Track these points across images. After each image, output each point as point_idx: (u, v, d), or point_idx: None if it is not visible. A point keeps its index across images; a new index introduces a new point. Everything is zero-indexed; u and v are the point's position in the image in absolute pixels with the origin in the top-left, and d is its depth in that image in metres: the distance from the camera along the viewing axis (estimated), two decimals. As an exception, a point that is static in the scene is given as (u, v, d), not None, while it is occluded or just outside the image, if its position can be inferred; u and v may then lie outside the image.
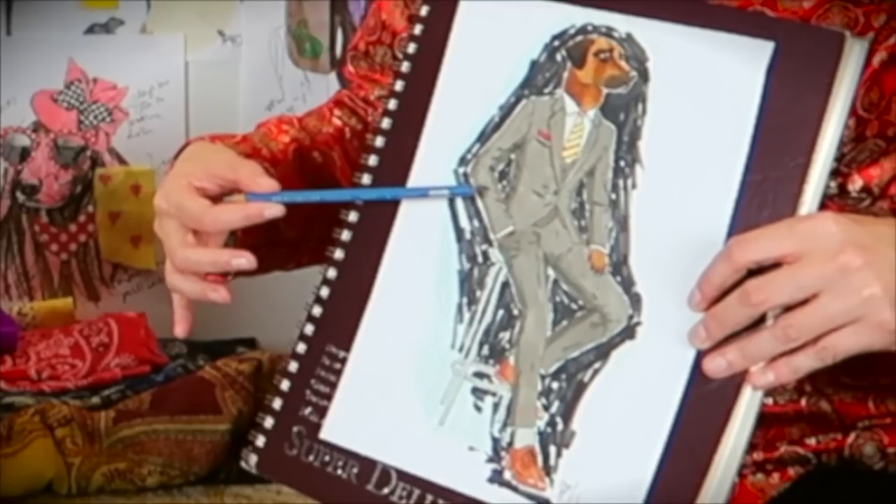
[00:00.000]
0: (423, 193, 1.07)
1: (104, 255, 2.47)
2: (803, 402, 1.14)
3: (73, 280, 2.46)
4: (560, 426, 1.00)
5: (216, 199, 1.12)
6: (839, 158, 1.09)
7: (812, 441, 1.14)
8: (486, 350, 1.03)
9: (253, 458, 1.09)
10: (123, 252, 2.48)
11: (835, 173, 1.09)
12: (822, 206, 0.95)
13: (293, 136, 1.27)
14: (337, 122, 1.33)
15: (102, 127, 2.44)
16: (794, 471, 1.14)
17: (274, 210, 1.09)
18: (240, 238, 1.18)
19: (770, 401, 1.12)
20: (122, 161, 2.46)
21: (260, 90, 2.50)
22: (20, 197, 2.42)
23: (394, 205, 1.08)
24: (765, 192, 0.95)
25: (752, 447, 1.10)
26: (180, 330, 1.16)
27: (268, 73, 2.50)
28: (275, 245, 1.20)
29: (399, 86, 1.10)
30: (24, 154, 2.41)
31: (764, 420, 1.06)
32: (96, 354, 2.25)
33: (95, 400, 2.15)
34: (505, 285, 1.03)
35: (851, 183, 1.10)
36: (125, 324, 2.31)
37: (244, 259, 1.10)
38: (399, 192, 1.08)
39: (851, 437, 1.14)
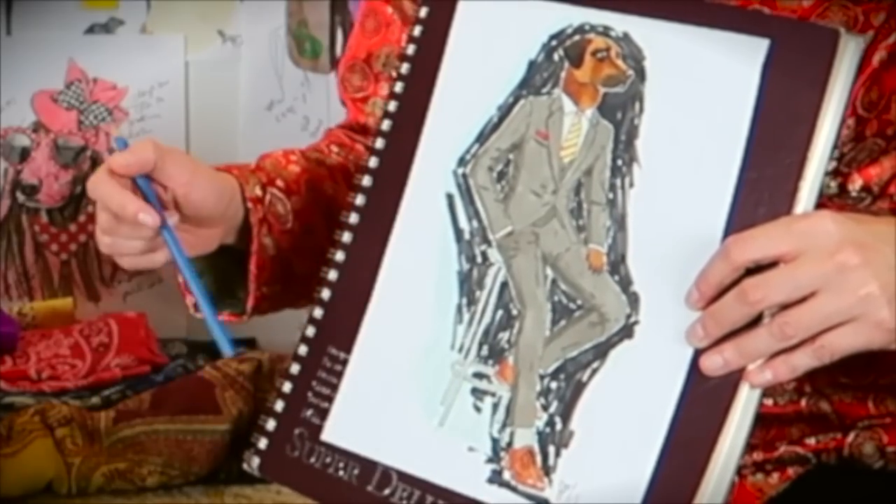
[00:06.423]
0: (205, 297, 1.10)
1: (104, 255, 2.47)
2: (803, 402, 1.14)
3: (73, 280, 2.46)
4: (559, 426, 1.00)
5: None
6: (839, 158, 1.09)
7: (812, 441, 1.14)
8: (485, 350, 1.03)
9: (255, 461, 1.09)
10: (123, 252, 2.47)
11: (835, 173, 1.09)
12: (822, 205, 0.96)
13: (303, 166, 1.27)
14: (337, 157, 1.32)
15: (102, 127, 2.44)
16: (794, 470, 1.14)
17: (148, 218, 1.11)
18: (255, 274, 1.19)
19: (770, 402, 1.12)
20: (122, 161, 2.45)
21: (260, 90, 2.50)
22: (20, 197, 2.42)
23: (393, 206, 1.08)
24: (761, 189, 0.95)
25: (751, 447, 1.11)
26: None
27: (268, 73, 2.50)
28: (289, 281, 1.18)
29: (398, 87, 1.10)
30: (24, 154, 2.41)
31: (764, 421, 1.07)
32: (96, 354, 2.24)
33: (95, 400, 2.15)
34: (504, 285, 1.04)
35: (851, 182, 1.10)
36: (125, 324, 2.30)
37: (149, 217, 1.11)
38: None
39: (851, 437, 1.14)
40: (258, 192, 1.18)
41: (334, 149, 1.33)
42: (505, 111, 1.05)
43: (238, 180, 1.19)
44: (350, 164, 1.30)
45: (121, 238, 1.15)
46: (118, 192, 1.12)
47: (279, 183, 1.21)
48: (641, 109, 1.00)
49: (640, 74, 1.00)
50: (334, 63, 2.51)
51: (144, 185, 1.14)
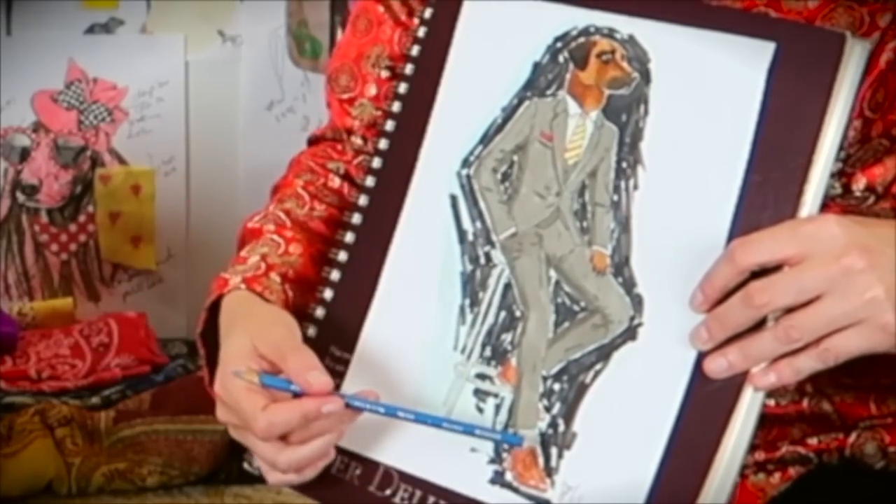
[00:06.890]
0: (469, 431, 1.00)
1: (104, 255, 2.47)
2: (805, 402, 1.14)
3: (73, 280, 2.46)
4: (561, 427, 1.00)
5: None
6: (844, 159, 1.09)
7: (813, 441, 1.14)
8: (488, 351, 1.03)
9: (256, 460, 1.09)
10: (123, 252, 2.48)
11: (839, 173, 1.09)
12: (825, 206, 0.96)
13: (302, 240, 1.17)
14: (320, 206, 1.22)
15: (102, 127, 2.44)
16: (795, 470, 1.14)
17: (332, 405, 0.99)
18: None
19: (772, 402, 1.12)
20: (122, 161, 2.46)
21: (260, 90, 2.50)
22: (20, 197, 2.42)
23: (397, 207, 1.08)
24: (766, 192, 0.95)
25: (753, 448, 1.11)
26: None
27: (268, 73, 2.50)
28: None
29: (402, 88, 1.10)
30: (24, 154, 2.41)
31: (765, 421, 1.06)
32: (96, 354, 2.25)
33: (95, 400, 2.15)
34: (507, 287, 1.04)
35: (855, 182, 1.10)
36: (125, 324, 2.30)
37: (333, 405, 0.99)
38: (449, 423, 1.01)
39: (853, 437, 1.14)
40: (281, 293, 1.13)
41: (311, 189, 1.24)
42: (509, 112, 1.05)
43: (267, 298, 1.11)
44: (333, 208, 1.22)
45: (313, 450, 1.03)
46: (290, 405, 1.00)
47: (290, 274, 1.14)
48: (646, 112, 1.00)
49: (645, 77, 1.00)
50: (334, 63, 2.51)
51: (279, 382, 1.02)
